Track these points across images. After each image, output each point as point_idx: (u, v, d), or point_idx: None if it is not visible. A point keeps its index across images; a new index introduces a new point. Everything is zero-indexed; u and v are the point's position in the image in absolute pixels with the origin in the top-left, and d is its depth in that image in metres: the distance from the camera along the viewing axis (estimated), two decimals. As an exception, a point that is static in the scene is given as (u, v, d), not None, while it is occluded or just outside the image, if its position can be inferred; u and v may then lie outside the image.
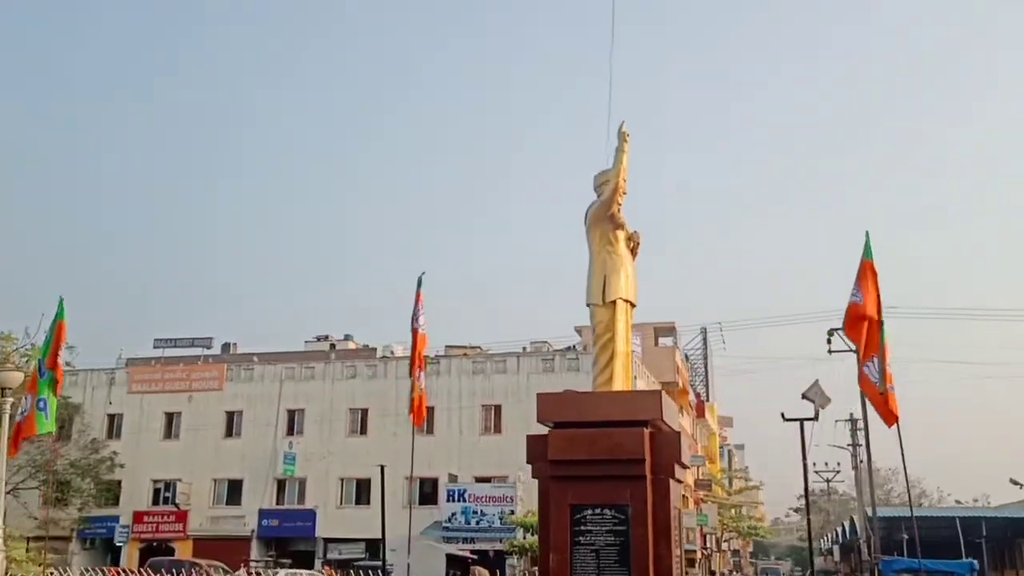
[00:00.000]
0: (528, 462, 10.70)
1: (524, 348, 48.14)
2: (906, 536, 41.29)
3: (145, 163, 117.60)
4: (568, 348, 50.76)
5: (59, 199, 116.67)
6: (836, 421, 38.17)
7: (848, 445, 41.23)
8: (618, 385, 10.68)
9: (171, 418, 48.11)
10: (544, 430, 10.72)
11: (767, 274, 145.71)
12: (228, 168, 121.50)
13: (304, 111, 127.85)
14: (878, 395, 9.70)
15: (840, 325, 33.59)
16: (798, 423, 25.57)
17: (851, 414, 36.27)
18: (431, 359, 46.48)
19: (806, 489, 26.66)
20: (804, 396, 25.96)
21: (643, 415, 10.16)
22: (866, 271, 9.99)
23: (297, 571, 34.37)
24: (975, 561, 32.19)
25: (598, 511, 10.00)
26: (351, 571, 34.46)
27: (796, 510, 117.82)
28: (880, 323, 9.52)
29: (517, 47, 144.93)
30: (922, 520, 45.18)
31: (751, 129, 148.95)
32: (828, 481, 62.54)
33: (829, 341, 33.75)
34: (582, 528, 10.02)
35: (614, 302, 10.85)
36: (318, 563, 42.26)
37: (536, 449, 10.55)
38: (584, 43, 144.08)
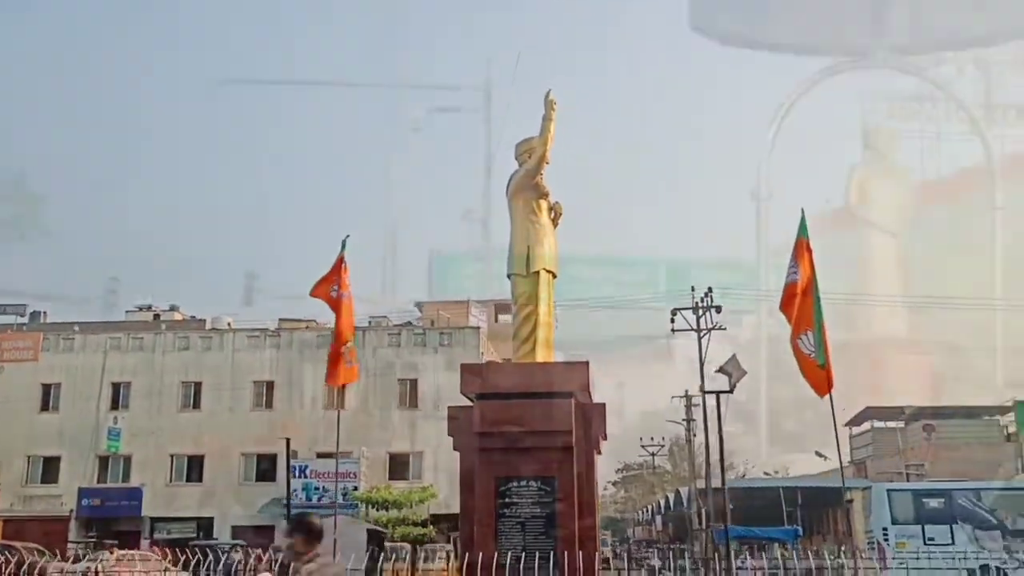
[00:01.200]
0: (449, 434, 10.51)
1: (368, 323, 47.36)
2: (731, 506, 43.61)
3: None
4: (407, 323, 50.32)
5: None
6: (672, 397, 39.79)
7: (683, 420, 43.12)
8: (540, 356, 10.62)
9: (-24, 391, 44.51)
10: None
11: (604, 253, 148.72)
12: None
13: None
14: (814, 367, 10.09)
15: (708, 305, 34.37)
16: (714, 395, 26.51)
17: (687, 390, 37.88)
18: (271, 332, 45.15)
19: (721, 460, 27.64)
20: (720, 370, 26.87)
21: (570, 386, 10.16)
22: (802, 248, 10.36)
23: (128, 552, 32.50)
24: (799, 528, 34.55)
25: (524, 483, 9.95)
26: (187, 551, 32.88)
27: (614, 483, 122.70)
28: (816, 299, 9.90)
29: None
30: (746, 491, 47.94)
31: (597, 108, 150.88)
32: (653, 455, 65.33)
33: (672, 320, 35.08)
34: (507, 500, 9.95)
35: (537, 272, 10.77)
36: (145, 543, 40.24)
37: (459, 421, 10.36)
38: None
